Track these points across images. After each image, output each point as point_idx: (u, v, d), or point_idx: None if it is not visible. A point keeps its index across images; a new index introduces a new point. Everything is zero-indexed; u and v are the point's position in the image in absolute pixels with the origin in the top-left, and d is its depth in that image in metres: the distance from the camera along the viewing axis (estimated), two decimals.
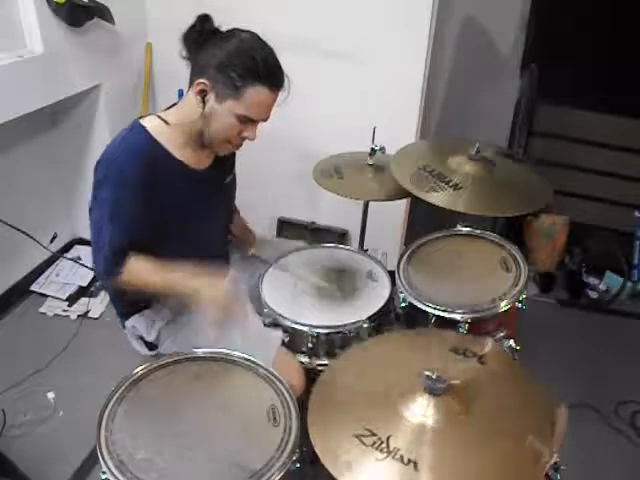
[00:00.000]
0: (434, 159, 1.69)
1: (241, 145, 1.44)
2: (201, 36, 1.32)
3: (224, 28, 1.37)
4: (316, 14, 2.33)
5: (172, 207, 1.40)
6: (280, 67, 1.34)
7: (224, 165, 1.54)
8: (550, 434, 1.02)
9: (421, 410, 1.05)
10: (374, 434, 1.03)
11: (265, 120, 1.39)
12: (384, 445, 1.01)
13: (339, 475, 0.98)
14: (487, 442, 1.02)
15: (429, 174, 1.60)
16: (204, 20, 1.32)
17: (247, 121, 1.35)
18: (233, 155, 1.60)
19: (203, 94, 1.32)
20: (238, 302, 1.35)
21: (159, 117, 1.41)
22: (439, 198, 1.51)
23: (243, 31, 1.34)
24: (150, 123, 1.38)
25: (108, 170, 1.32)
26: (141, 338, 1.55)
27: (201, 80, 1.31)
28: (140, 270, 1.34)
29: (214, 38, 1.32)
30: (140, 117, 1.42)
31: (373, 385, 1.17)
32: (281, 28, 2.33)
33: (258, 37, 1.34)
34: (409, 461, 0.98)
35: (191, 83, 1.35)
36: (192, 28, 1.32)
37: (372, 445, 1.01)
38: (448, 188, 1.54)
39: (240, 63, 1.29)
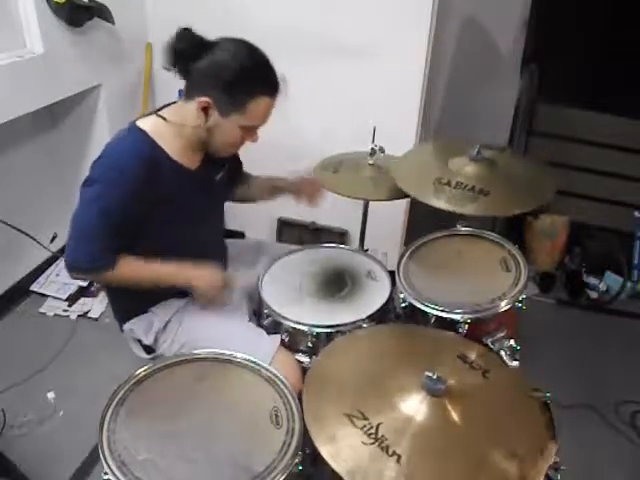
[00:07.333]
0: (441, 167, 1.66)
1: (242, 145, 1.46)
2: (193, 50, 1.30)
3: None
4: (316, 14, 2.33)
5: (170, 207, 1.40)
6: (275, 72, 1.35)
7: (213, 163, 1.53)
8: (536, 460, 1.00)
9: (416, 407, 1.06)
10: (365, 417, 1.04)
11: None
12: (373, 431, 1.02)
13: (321, 444, 0.99)
14: (474, 452, 1.01)
15: (446, 185, 1.58)
16: (188, 33, 1.31)
17: (251, 129, 1.39)
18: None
19: (206, 110, 1.33)
20: (220, 288, 1.45)
21: (158, 115, 1.41)
22: (470, 208, 1.51)
23: (231, 40, 1.33)
24: (148, 124, 1.39)
25: (106, 170, 1.33)
26: (139, 342, 1.55)
27: (203, 99, 1.31)
28: (126, 266, 1.37)
29: (204, 51, 1.31)
30: (137, 119, 1.42)
31: (374, 370, 1.18)
32: (281, 28, 2.34)
33: (246, 44, 1.34)
34: (393, 453, 0.98)
35: (188, 93, 1.35)
36: (179, 44, 1.30)
37: (362, 428, 1.02)
38: (468, 193, 1.53)
39: (241, 80, 1.30)
